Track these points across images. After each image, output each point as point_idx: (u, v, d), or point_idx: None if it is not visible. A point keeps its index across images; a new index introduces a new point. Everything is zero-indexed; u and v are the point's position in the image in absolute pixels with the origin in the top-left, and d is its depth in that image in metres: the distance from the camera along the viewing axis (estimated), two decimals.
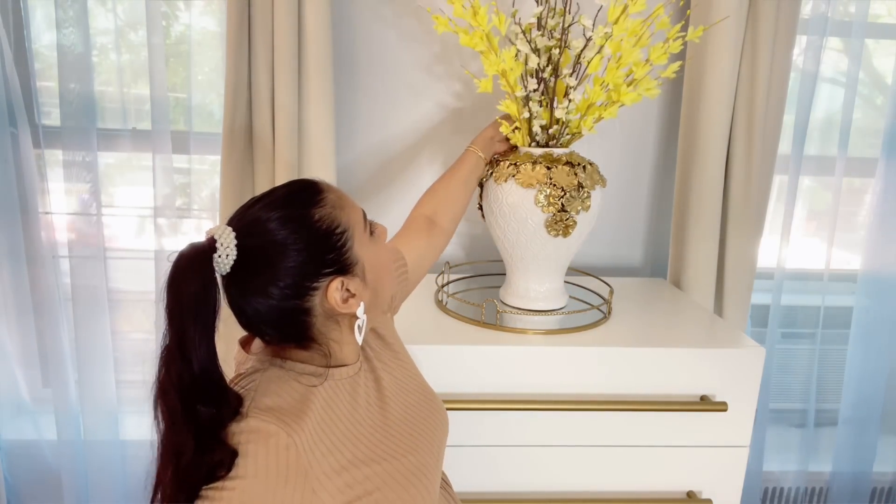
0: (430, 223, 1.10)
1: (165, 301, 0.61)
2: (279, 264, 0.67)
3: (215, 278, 0.64)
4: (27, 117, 1.38)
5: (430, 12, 1.13)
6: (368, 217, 0.78)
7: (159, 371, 0.61)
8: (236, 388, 0.68)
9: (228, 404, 0.64)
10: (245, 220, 0.68)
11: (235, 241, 0.65)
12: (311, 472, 0.65)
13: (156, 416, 0.61)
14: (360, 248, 0.72)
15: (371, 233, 0.76)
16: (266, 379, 0.69)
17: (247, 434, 0.63)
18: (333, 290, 0.69)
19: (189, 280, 0.61)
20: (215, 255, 0.64)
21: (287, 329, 0.71)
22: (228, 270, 0.65)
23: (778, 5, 1.30)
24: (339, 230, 0.70)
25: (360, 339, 0.75)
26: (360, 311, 0.72)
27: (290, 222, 0.67)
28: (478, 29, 1.08)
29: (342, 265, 0.70)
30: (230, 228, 0.66)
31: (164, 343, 0.61)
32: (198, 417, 0.61)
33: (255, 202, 0.70)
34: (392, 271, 0.83)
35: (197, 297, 0.61)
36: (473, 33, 1.09)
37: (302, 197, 0.70)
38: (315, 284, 0.69)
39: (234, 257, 0.65)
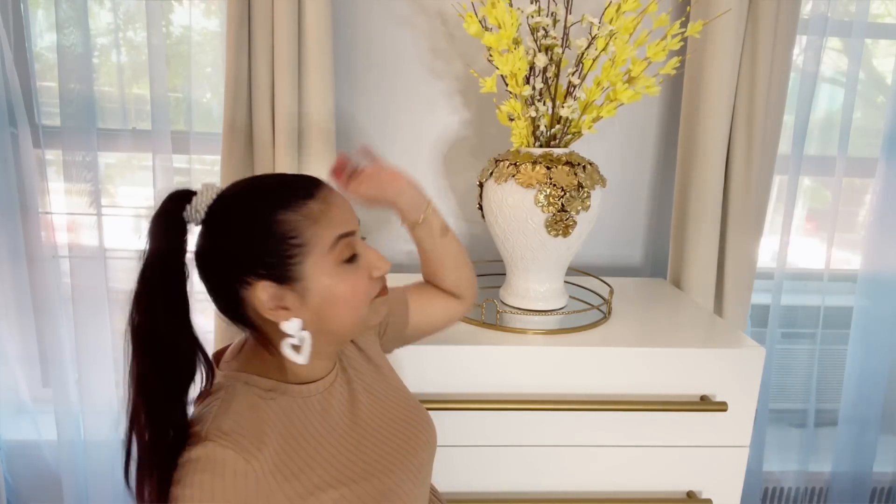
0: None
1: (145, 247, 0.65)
2: (223, 243, 0.67)
3: (185, 225, 0.67)
4: (27, 117, 1.38)
5: (466, 9, 1.13)
6: (368, 241, 0.75)
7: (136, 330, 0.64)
8: (201, 407, 0.68)
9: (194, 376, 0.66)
10: (233, 189, 0.70)
11: (210, 203, 0.68)
12: (272, 497, 0.64)
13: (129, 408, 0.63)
14: (314, 269, 0.67)
15: (347, 260, 0.69)
16: (230, 397, 0.68)
17: (203, 462, 0.61)
18: (260, 291, 0.66)
19: (161, 218, 0.66)
20: (188, 204, 0.67)
21: (224, 305, 0.71)
22: (197, 224, 0.68)
23: (778, 5, 1.30)
24: (294, 241, 0.66)
25: (298, 359, 0.69)
26: (289, 328, 0.68)
27: (253, 213, 0.67)
28: (505, 29, 1.08)
29: (280, 274, 0.66)
30: (217, 189, 0.69)
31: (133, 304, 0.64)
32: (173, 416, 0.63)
33: (258, 177, 0.72)
34: (355, 308, 0.71)
35: (167, 235, 0.65)
36: (500, 33, 1.08)
37: (285, 194, 0.68)
38: (245, 278, 0.67)
39: (202, 217, 0.68)
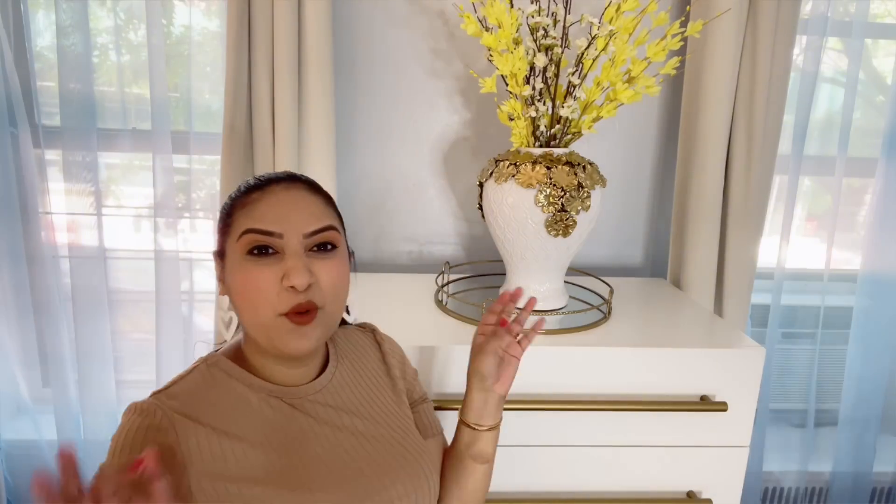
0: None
1: None
2: None
3: None
4: (27, 117, 1.38)
5: (462, 11, 1.13)
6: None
7: None
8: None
9: None
10: None
11: None
12: (191, 466, 0.65)
13: None
14: (229, 251, 0.71)
15: (254, 254, 0.68)
16: (197, 371, 0.72)
17: (137, 413, 0.66)
18: (215, 259, 0.75)
19: None
20: None
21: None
22: None
23: (778, 5, 1.30)
24: (227, 220, 0.72)
25: (224, 332, 0.72)
26: (224, 301, 0.73)
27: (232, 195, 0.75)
28: (504, 29, 1.08)
29: (220, 245, 0.73)
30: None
31: None
32: None
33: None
34: (254, 306, 0.68)
35: None
36: (499, 33, 1.08)
37: (252, 183, 0.74)
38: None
39: None
